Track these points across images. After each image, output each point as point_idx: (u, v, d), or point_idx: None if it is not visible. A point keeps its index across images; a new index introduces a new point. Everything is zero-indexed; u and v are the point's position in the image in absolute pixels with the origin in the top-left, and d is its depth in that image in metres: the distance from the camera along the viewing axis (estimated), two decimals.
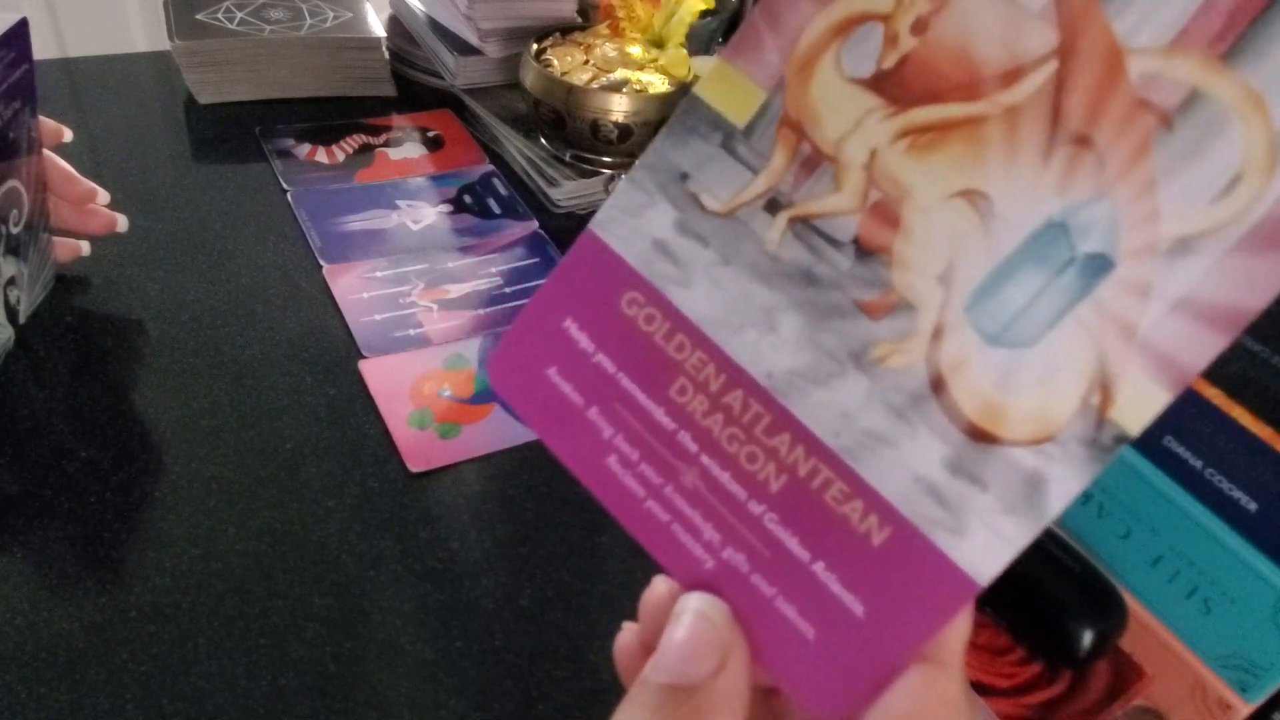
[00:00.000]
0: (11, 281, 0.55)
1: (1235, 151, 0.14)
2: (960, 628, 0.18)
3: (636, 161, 0.20)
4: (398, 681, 0.43)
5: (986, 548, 0.16)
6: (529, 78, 0.76)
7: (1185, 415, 0.37)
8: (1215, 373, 0.36)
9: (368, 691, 0.43)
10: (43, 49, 1.35)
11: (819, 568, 0.18)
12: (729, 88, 0.18)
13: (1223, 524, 0.36)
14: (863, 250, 0.17)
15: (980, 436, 0.16)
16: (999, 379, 0.16)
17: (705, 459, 0.19)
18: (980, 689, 0.43)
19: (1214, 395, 0.36)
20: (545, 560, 0.49)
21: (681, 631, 0.19)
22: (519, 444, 0.55)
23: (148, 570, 0.46)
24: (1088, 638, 0.39)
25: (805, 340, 0.18)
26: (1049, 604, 0.40)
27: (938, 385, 0.17)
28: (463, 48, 0.84)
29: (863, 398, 0.17)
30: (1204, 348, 0.15)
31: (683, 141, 0.19)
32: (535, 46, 0.78)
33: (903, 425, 0.17)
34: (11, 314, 0.56)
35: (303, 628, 0.44)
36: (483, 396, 0.58)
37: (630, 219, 0.19)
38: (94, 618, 0.44)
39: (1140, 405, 0.15)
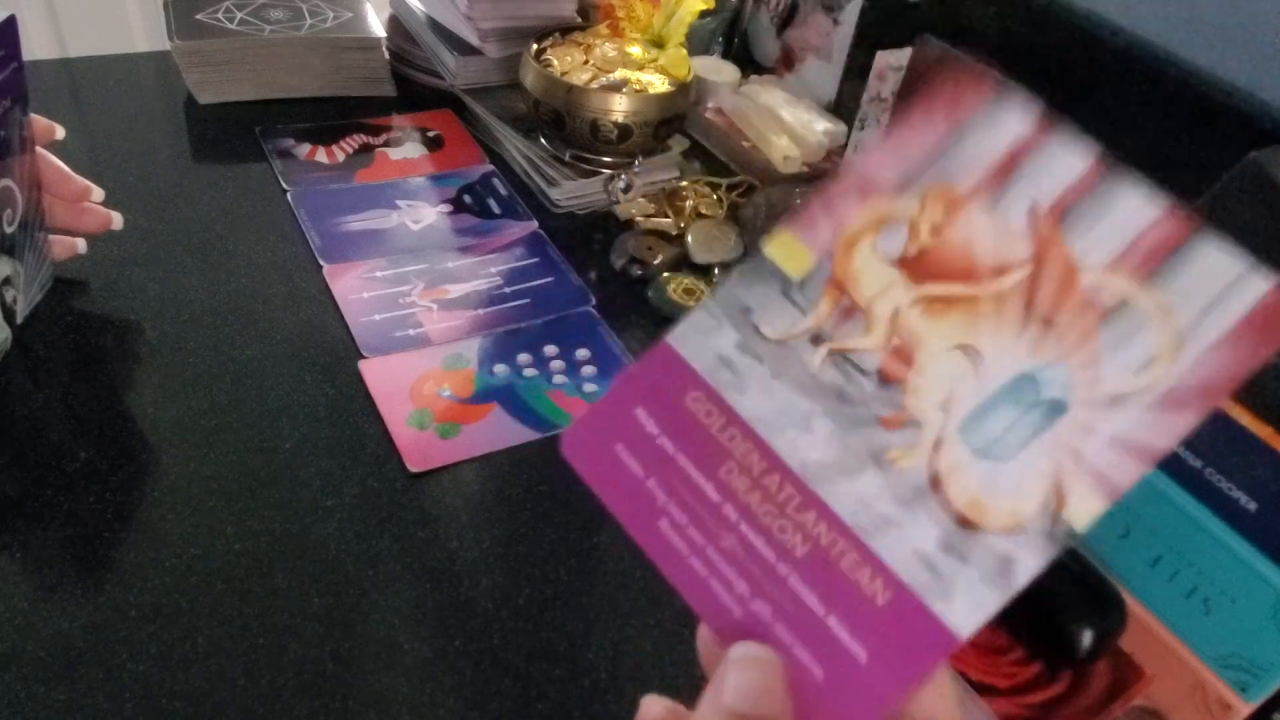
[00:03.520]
0: (7, 281, 0.55)
1: (1151, 341, 0.21)
2: (948, 690, 0.23)
3: (712, 292, 0.25)
4: (396, 681, 0.43)
5: (968, 610, 0.21)
6: (529, 78, 0.76)
7: None
8: None
9: (366, 690, 0.43)
10: (43, 49, 1.35)
11: (832, 620, 0.22)
12: (790, 251, 0.24)
13: (1223, 524, 0.36)
14: (884, 379, 0.23)
15: (966, 524, 0.22)
16: (982, 483, 0.22)
17: (744, 527, 0.24)
18: (980, 689, 0.43)
19: None
20: (543, 560, 0.49)
21: (738, 675, 0.22)
22: (518, 444, 0.55)
23: (147, 570, 0.46)
24: (1088, 638, 0.39)
25: (835, 441, 0.23)
26: (1049, 604, 0.40)
27: (935, 484, 0.22)
28: (463, 48, 0.84)
29: (877, 489, 0.22)
30: (1129, 473, 0.21)
31: (750, 285, 0.25)
32: (535, 46, 0.78)
33: (907, 512, 0.22)
34: (8, 314, 0.56)
35: (302, 627, 0.44)
36: (482, 396, 0.58)
37: (701, 336, 0.25)
38: (94, 618, 0.44)
39: (1085, 509, 0.21)
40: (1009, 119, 0.22)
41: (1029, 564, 0.21)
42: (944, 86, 0.23)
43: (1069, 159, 0.22)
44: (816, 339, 0.24)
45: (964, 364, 0.22)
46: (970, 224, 0.22)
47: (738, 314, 0.25)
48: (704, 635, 0.25)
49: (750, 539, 0.23)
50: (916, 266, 0.23)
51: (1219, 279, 0.20)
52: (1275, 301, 0.20)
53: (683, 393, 0.25)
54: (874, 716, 0.21)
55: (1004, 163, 0.22)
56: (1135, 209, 0.21)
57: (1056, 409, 0.21)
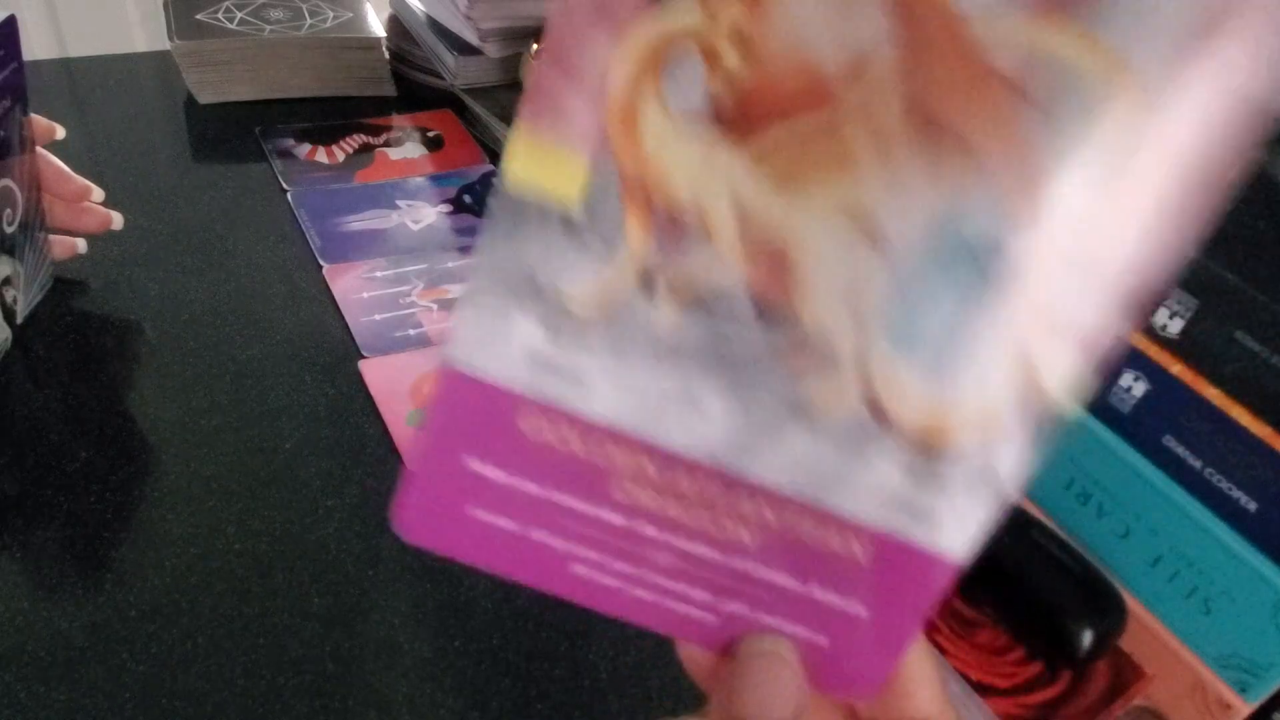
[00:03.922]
0: (7, 281, 0.55)
1: (1106, 113, 0.14)
2: (936, 685, 0.21)
3: (470, 279, 0.17)
4: (396, 680, 0.43)
5: (960, 530, 0.18)
6: (529, 78, 0.76)
7: (1185, 415, 0.37)
8: (1215, 373, 0.36)
9: (366, 690, 0.43)
10: (43, 49, 1.35)
11: (815, 590, 0.19)
12: (545, 164, 0.15)
13: (1223, 524, 0.36)
14: (761, 304, 0.16)
15: (929, 448, 0.17)
16: (929, 389, 0.16)
17: (671, 539, 0.19)
18: (980, 689, 0.43)
19: (1214, 395, 0.36)
20: None
21: (751, 674, 0.20)
22: None
23: (147, 570, 0.46)
24: (1088, 638, 0.39)
25: (734, 408, 0.17)
26: (1049, 604, 0.40)
27: (877, 411, 0.17)
28: (463, 48, 0.83)
29: (809, 445, 0.17)
30: (1112, 317, 0.15)
31: (515, 240, 0.16)
32: (535, 46, 0.78)
33: (856, 460, 0.17)
34: (8, 314, 0.56)
35: (302, 627, 0.44)
36: None
37: (488, 341, 0.17)
38: (94, 618, 0.44)
39: (1066, 375, 0.16)
40: None
41: (1014, 462, 0.17)
42: None
43: None
44: (646, 281, 0.16)
45: (856, 239, 0.15)
46: (791, 8, 0.14)
47: (521, 288, 0.17)
48: (685, 650, 0.23)
49: (686, 548, 0.19)
50: (738, 114, 0.15)
51: None
52: None
53: (510, 420, 0.18)
54: (891, 663, 0.20)
55: None
56: None
57: (993, 253, 0.15)
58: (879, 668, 0.20)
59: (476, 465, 0.19)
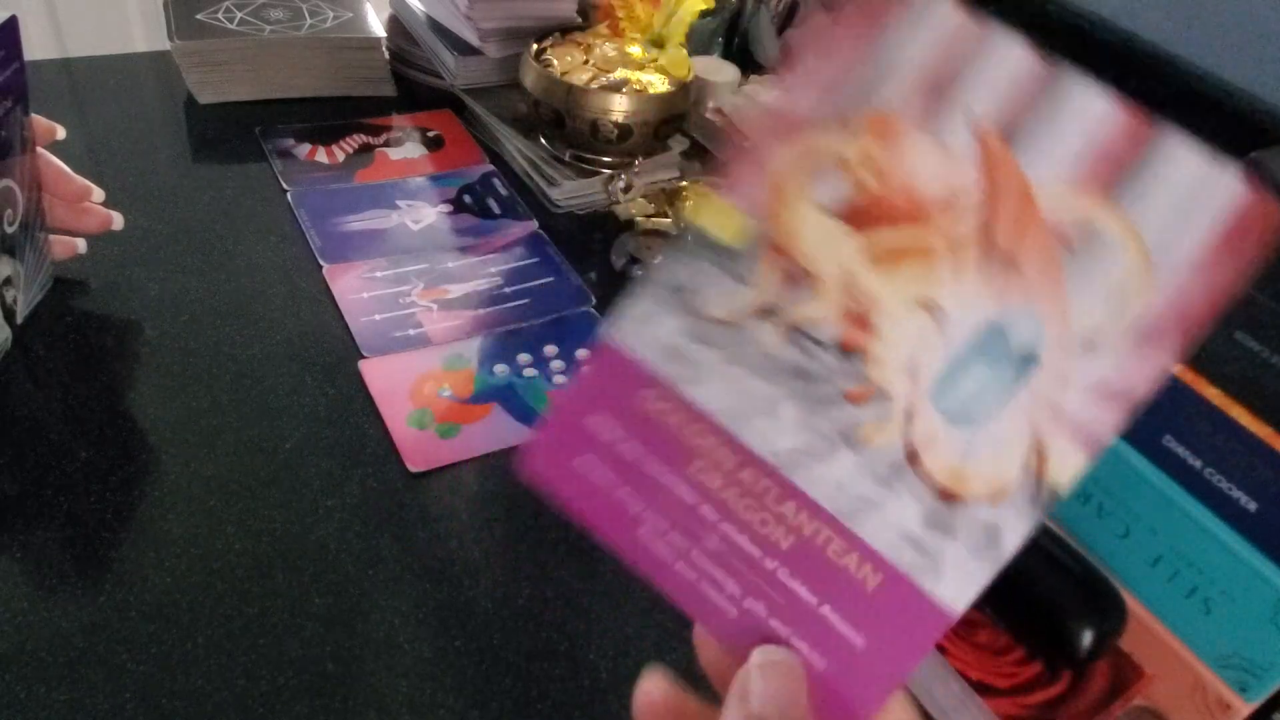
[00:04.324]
0: (8, 281, 0.55)
1: (1120, 268, 0.19)
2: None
3: (644, 277, 0.23)
4: (396, 680, 0.43)
5: (958, 585, 0.21)
6: (529, 78, 0.76)
7: (1185, 415, 0.37)
8: (1215, 373, 0.36)
9: (366, 690, 0.43)
10: (43, 49, 1.35)
11: (826, 610, 0.22)
12: (720, 216, 0.22)
13: (1223, 524, 0.36)
14: (844, 349, 0.21)
15: (948, 497, 0.21)
16: (960, 451, 0.20)
17: (725, 525, 0.22)
18: (980, 689, 0.43)
19: (1214, 395, 0.36)
20: (544, 560, 0.49)
21: (763, 681, 0.22)
22: (518, 444, 0.55)
23: (148, 570, 0.46)
24: (1088, 638, 0.39)
25: (803, 425, 0.22)
26: (1049, 604, 0.40)
27: (912, 457, 0.21)
28: (463, 48, 0.84)
29: (853, 470, 0.21)
30: (1111, 421, 0.19)
31: (684, 262, 0.22)
32: (535, 46, 0.78)
33: (887, 491, 0.21)
34: (8, 314, 0.56)
35: (302, 627, 0.44)
36: (482, 396, 0.58)
37: (642, 327, 0.23)
38: (94, 618, 0.44)
39: (1067, 467, 0.20)
40: (933, 21, 0.19)
41: (1016, 530, 0.20)
42: (846, 14, 0.20)
43: (1007, 61, 0.19)
44: (766, 313, 0.22)
45: (926, 321, 0.20)
46: (909, 151, 0.20)
47: (677, 296, 0.22)
48: (701, 635, 0.24)
49: (733, 537, 0.23)
50: (858, 213, 0.20)
51: (1185, 184, 0.18)
52: (1249, 204, 0.18)
53: (636, 393, 0.23)
54: (878, 701, 0.21)
55: (935, 73, 0.19)
56: (1086, 112, 0.18)
57: (1028, 360, 0.20)
58: (867, 702, 0.21)
59: (597, 423, 0.23)
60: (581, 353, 0.63)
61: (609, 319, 0.23)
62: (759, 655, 0.22)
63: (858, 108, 0.20)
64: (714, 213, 0.22)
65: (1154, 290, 0.18)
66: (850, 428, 0.21)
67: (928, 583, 0.21)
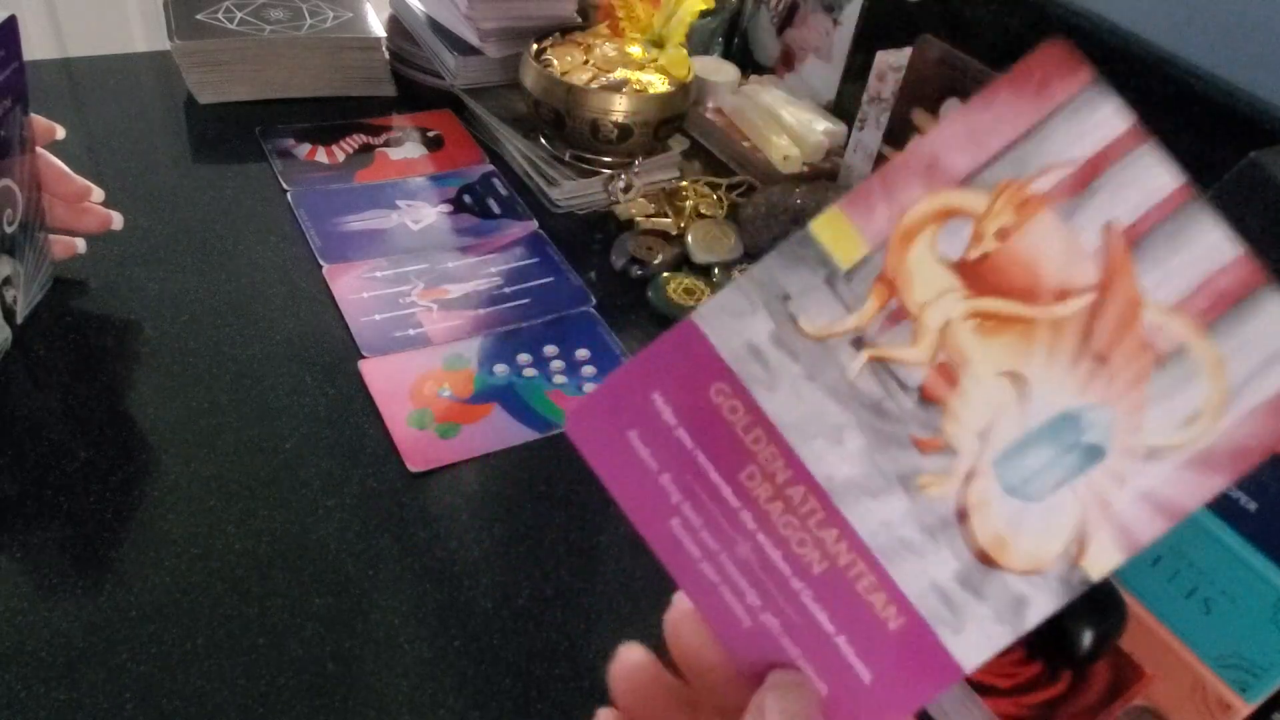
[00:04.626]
0: (7, 281, 0.55)
1: (1200, 396, 0.20)
2: None
3: (746, 271, 0.23)
4: (396, 680, 0.43)
5: (976, 645, 0.21)
6: (529, 78, 0.76)
7: None
8: None
9: (366, 690, 0.43)
10: (43, 49, 1.35)
11: (841, 640, 0.22)
12: (841, 235, 0.22)
13: (1223, 524, 0.36)
14: (924, 398, 0.21)
15: (987, 561, 0.21)
16: (1009, 522, 0.21)
17: (761, 537, 0.23)
18: (980, 689, 0.43)
19: None
20: (543, 560, 0.49)
21: (780, 703, 0.22)
22: (518, 444, 0.55)
23: (147, 570, 0.46)
24: (1088, 638, 0.39)
25: (865, 458, 0.22)
26: None
27: (962, 516, 0.21)
28: (463, 48, 0.84)
29: (903, 513, 0.22)
30: (1153, 529, 0.20)
31: (792, 268, 0.22)
32: (535, 46, 0.78)
33: (930, 541, 0.21)
34: (8, 314, 0.56)
35: (302, 627, 0.44)
36: (482, 396, 0.58)
37: (731, 320, 0.23)
38: (94, 618, 0.44)
39: (1104, 560, 0.21)
40: (1101, 116, 0.20)
41: (1042, 606, 0.21)
42: (1036, 64, 0.20)
43: (1155, 177, 0.20)
44: (858, 341, 0.22)
45: (1010, 393, 0.21)
46: (1040, 233, 0.20)
47: (775, 300, 0.22)
48: (677, 622, 0.24)
49: (766, 550, 0.23)
50: (976, 274, 0.21)
51: (1277, 338, 0.19)
52: None
53: (707, 383, 0.23)
54: None
55: (1088, 167, 0.20)
56: (1210, 247, 0.19)
57: (1094, 454, 0.20)
58: None
59: (659, 400, 0.23)
60: (582, 352, 0.63)
61: (702, 304, 0.23)
62: (777, 677, 0.22)
63: (1007, 174, 0.21)
64: (835, 227, 0.22)
65: (1223, 424, 0.20)
66: (911, 473, 0.22)
67: (947, 636, 0.21)
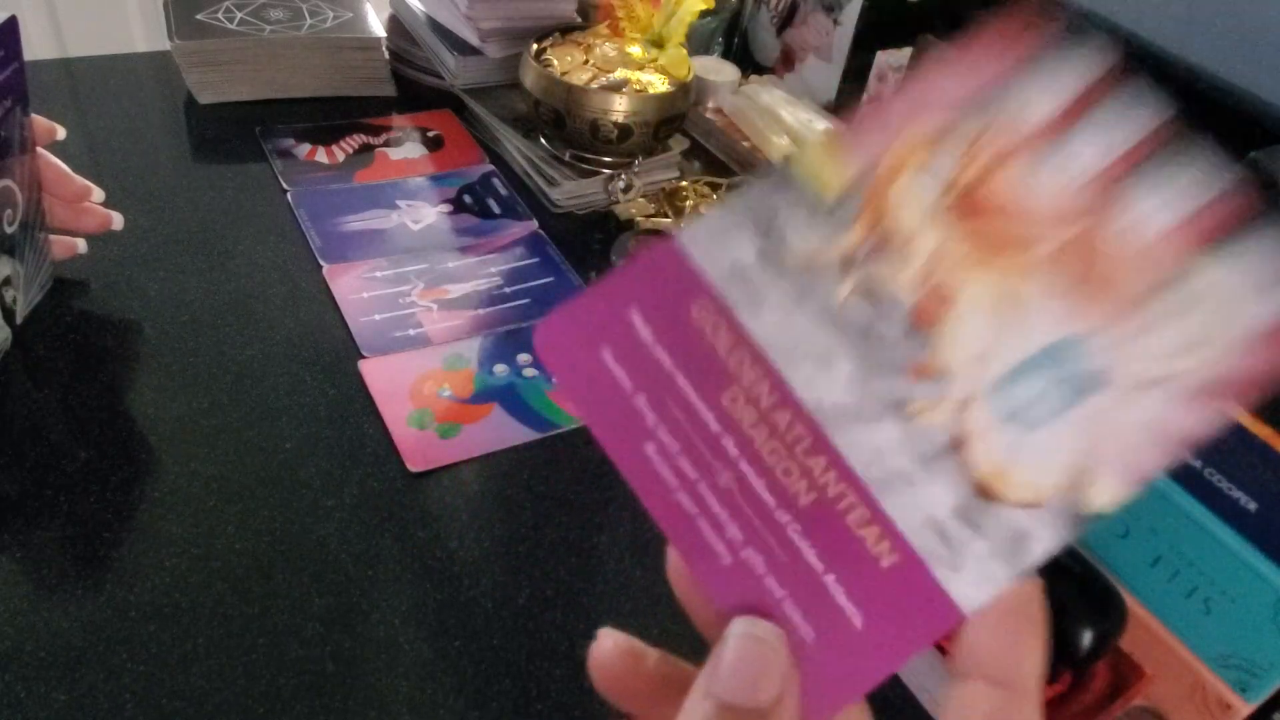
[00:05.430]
0: (7, 281, 0.55)
1: (1202, 321, 0.19)
2: (1036, 656, 0.21)
3: (736, 192, 0.22)
4: (396, 680, 0.43)
5: (975, 584, 0.20)
6: (529, 78, 0.76)
7: None
8: None
9: (366, 690, 0.43)
10: (43, 49, 1.35)
11: (829, 579, 0.20)
12: (830, 163, 0.21)
13: (1223, 524, 0.36)
14: (916, 322, 0.20)
15: (985, 493, 0.20)
16: (1007, 451, 0.20)
17: (743, 465, 0.21)
18: None
19: None
20: (544, 560, 0.49)
21: (734, 653, 0.20)
22: (518, 444, 0.55)
23: (147, 570, 0.46)
24: (1088, 638, 0.39)
25: (855, 383, 0.21)
26: (1049, 604, 0.40)
27: (958, 444, 0.20)
28: (463, 48, 0.84)
29: (896, 441, 0.20)
30: (1157, 460, 0.20)
31: (781, 191, 0.21)
32: (535, 46, 0.78)
33: (924, 471, 0.20)
34: (8, 314, 0.56)
35: (302, 627, 0.44)
36: (482, 396, 0.58)
37: (717, 240, 0.22)
38: (94, 618, 0.44)
39: (1109, 492, 0.20)
40: (1081, 60, 0.20)
41: (1044, 542, 0.20)
42: (1000, 34, 0.21)
43: (1141, 113, 0.20)
44: (847, 265, 0.21)
45: (1008, 316, 0.20)
46: (1027, 167, 0.20)
47: (764, 219, 0.21)
48: (675, 560, 0.23)
49: (749, 479, 0.21)
50: (968, 201, 0.20)
51: (1270, 269, 0.19)
52: None
53: (688, 300, 0.22)
54: (865, 686, 0.20)
55: (1073, 105, 0.20)
56: (1202, 177, 0.19)
57: (1094, 382, 0.20)
58: (851, 686, 0.20)
59: (636, 318, 0.22)
60: None
61: (686, 227, 0.22)
62: (739, 625, 0.20)
63: (996, 111, 0.20)
64: (822, 160, 0.21)
65: (1222, 350, 0.19)
66: (903, 399, 0.20)
67: (944, 574, 0.20)
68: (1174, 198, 0.19)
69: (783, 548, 0.21)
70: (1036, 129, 0.20)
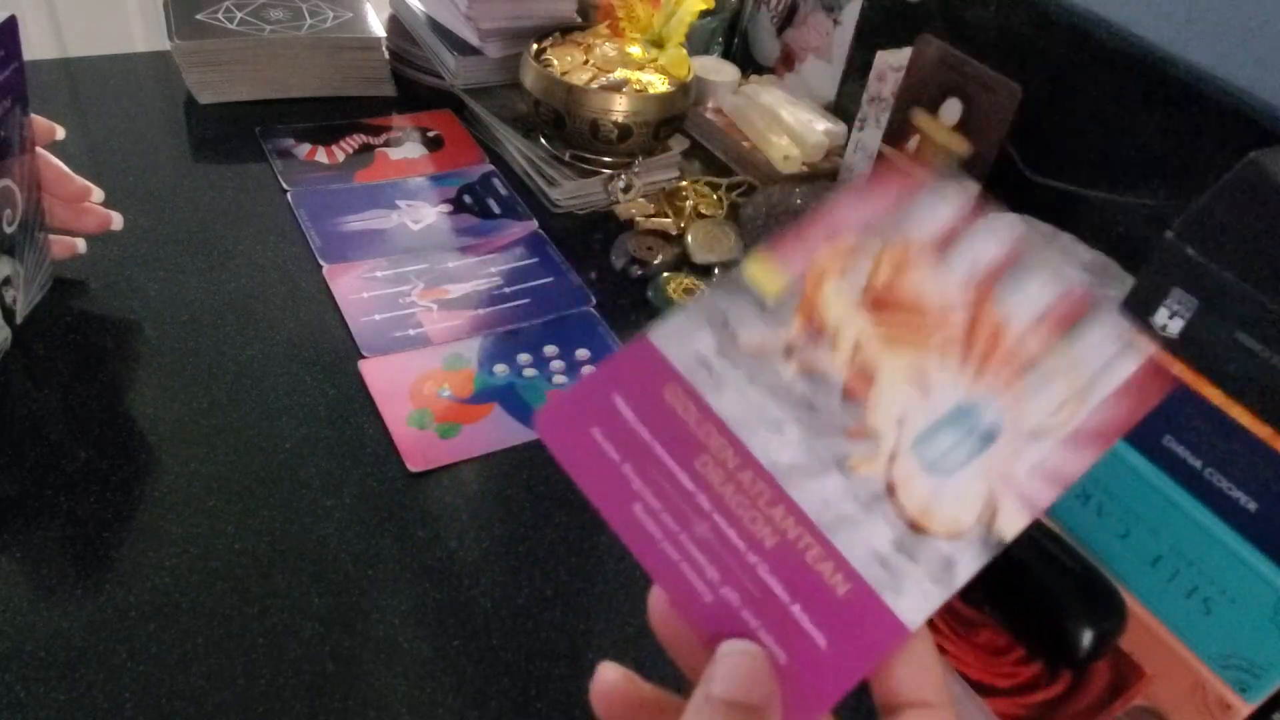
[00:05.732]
0: (7, 281, 0.55)
1: (1063, 389, 0.24)
2: (935, 672, 0.24)
3: (694, 298, 0.25)
4: (395, 680, 0.43)
5: (916, 605, 0.24)
6: (529, 78, 0.76)
7: (1185, 415, 0.37)
8: (1215, 373, 0.36)
9: (366, 690, 0.43)
10: (43, 49, 1.35)
11: (795, 608, 0.24)
12: (767, 273, 0.27)
13: (1223, 524, 0.36)
14: (847, 395, 0.26)
15: (916, 528, 0.24)
16: (930, 494, 0.24)
17: (717, 516, 0.25)
18: (980, 689, 0.43)
19: (1214, 395, 0.36)
20: (543, 559, 0.49)
21: (728, 664, 0.23)
22: (518, 444, 0.55)
23: (147, 570, 0.46)
24: (1088, 638, 0.39)
25: (803, 445, 0.25)
26: (1049, 604, 0.40)
27: (891, 490, 0.25)
28: (463, 48, 0.84)
29: (840, 491, 0.25)
30: (1047, 494, 0.24)
31: (730, 296, 0.27)
32: (535, 46, 0.78)
33: (866, 513, 0.24)
34: (8, 314, 0.56)
35: (301, 627, 0.44)
36: (482, 396, 0.58)
37: (681, 337, 0.27)
38: (94, 618, 0.44)
39: (1012, 522, 0.24)
40: (948, 201, 0.26)
41: (967, 565, 0.24)
42: (892, 175, 0.27)
43: (999, 235, 0.26)
44: (788, 352, 0.26)
45: (916, 390, 0.25)
46: (922, 274, 0.26)
47: (717, 320, 0.27)
48: (660, 610, 0.26)
49: (723, 528, 0.25)
50: (876, 303, 0.26)
51: (1113, 344, 0.25)
52: (1152, 366, 0.24)
53: (661, 384, 0.26)
54: (833, 697, 0.23)
55: (946, 235, 0.26)
56: (1051, 281, 0.25)
57: (989, 436, 0.25)
58: (819, 698, 0.23)
59: (619, 401, 0.26)
60: (582, 352, 0.63)
61: (652, 322, 0.27)
62: (728, 645, 0.24)
63: (891, 235, 0.26)
64: (762, 268, 0.27)
65: (1084, 410, 0.24)
66: (843, 456, 0.25)
67: (890, 597, 0.24)
68: (1036, 293, 0.25)
69: (754, 584, 0.24)
70: (927, 244, 0.26)
